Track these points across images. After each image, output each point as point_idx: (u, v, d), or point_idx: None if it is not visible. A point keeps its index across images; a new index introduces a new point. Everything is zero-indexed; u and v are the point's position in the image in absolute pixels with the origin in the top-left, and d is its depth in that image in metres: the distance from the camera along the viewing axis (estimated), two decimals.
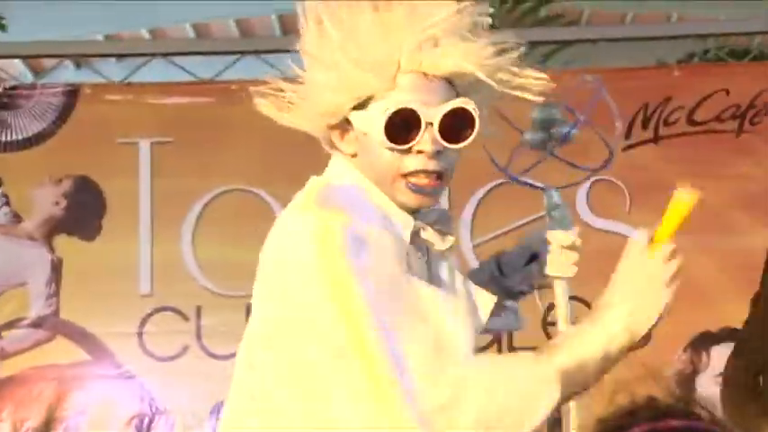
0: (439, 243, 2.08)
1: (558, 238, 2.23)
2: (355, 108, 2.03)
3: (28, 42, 4.95)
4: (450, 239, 2.10)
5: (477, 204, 4.19)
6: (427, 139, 1.98)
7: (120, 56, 5.20)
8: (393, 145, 1.99)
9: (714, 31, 4.58)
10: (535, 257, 2.27)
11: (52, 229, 4.26)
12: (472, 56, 2.02)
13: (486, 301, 2.17)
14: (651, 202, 3.99)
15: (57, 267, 4.22)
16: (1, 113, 4.32)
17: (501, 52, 2.04)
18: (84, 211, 4.26)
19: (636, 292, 1.98)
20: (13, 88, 4.41)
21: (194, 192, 4.26)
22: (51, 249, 4.24)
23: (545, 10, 6.38)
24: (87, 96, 4.36)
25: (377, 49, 2.00)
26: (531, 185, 2.24)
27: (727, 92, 4.24)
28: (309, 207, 1.97)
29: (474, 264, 4.05)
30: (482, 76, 2.02)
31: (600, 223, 4.16)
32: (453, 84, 2.04)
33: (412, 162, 2.00)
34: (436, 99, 2.00)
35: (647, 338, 2.02)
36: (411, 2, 2.02)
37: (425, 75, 2.01)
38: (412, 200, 2.03)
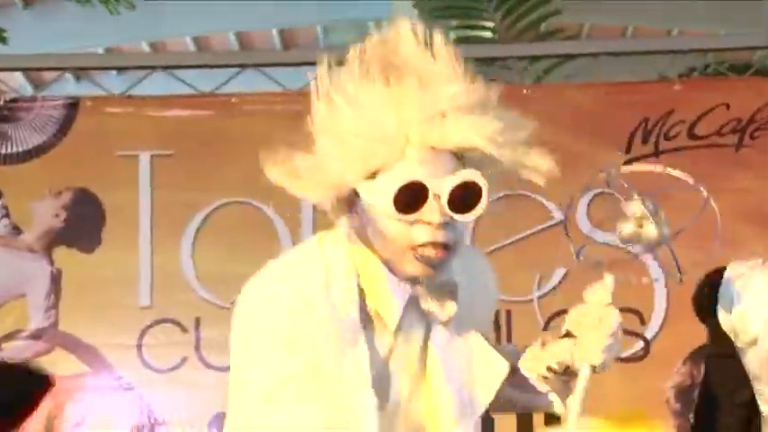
0: (440, 313, 2.10)
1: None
2: (364, 180, 2.05)
3: (28, 55, 4.96)
4: (451, 309, 2.10)
5: (478, 217, 4.18)
6: (435, 210, 2.00)
7: (121, 69, 5.21)
8: (401, 216, 2.01)
9: (715, 46, 4.59)
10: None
11: (52, 241, 4.25)
12: (480, 131, 2.04)
13: (497, 369, 2.18)
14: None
15: (56, 279, 4.21)
16: (1, 126, 4.32)
17: (509, 128, 2.06)
18: (83, 223, 4.26)
19: None
20: (14, 101, 4.41)
21: (194, 204, 4.25)
22: (51, 261, 4.24)
23: (545, 25, 6.39)
24: (88, 109, 4.37)
25: (386, 122, 2.03)
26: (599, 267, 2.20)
27: (728, 106, 4.25)
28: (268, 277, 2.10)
29: None
30: (491, 150, 2.04)
31: (599, 236, 4.15)
32: (461, 156, 2.06)
33: (420, 233, 2.02)
34: (444, 171, 2.02)
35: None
36: (420, 76, 2.05)
37: (433, 148, 2.04)
38: (419, 270, 2.05)
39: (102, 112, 4.38)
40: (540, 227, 4.15)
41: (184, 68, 4.50)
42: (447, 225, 2.02)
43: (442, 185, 2.01)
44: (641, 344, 4.12)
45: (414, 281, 2.08)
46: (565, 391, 2.17)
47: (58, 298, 4.20)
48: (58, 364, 4.14)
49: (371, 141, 2.03)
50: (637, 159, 4.22)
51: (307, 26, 8.61)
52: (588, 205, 4.15)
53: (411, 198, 2.00)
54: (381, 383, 2.09)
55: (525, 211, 4.09)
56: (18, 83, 6.62)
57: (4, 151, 4.31)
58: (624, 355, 4.11)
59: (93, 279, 4.20)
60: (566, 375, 2.18)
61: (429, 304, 2.09)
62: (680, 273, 2.17)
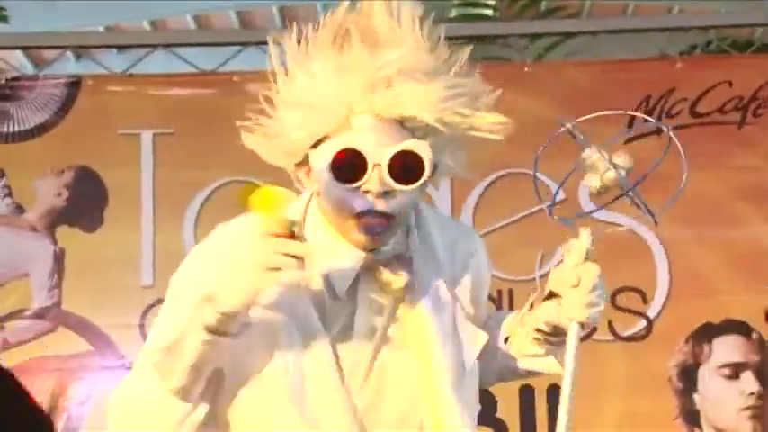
0: (394, 282, 2.10)
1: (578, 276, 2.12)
2: (313, 147, 2.07)
3: (29, 33, 4.94)
4: (399, 281, 2.10)
5: (480, 196, 4.19)
6: (375, 179, 2.01)
7: (122, 47, 5.20)
8: (340, 184, 2.02)
9: (716, 23, 4.57)
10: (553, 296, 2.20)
11: (54, 221, 4.25)
12: (423, 99, 2.03)
13: (476, 340, 2.19)
14: (653, 194, 3.99)
15: (59, 258, 4.21)
16: (3, 104, 4.31)
17: (456, 95, 2.05)
18: (85, 202, 4.26)
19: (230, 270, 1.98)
20: (16, 79, 4.40)
21: (196, 183, 4.25)
22: (53, 240, 4.24)
23: (546, 3, 6.38)
24: (89, 87, 4.36)
25: (329, 90, 2.03)
26: (565, 222, 2.19)
27: (730, 83, 4.24)
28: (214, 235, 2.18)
29: None
30: (431, 120, 2.03)
31: (602, 214, 4.15)
32: (408, 125, 2.05)
33: (360, 202, 2.03)
34: (389, 140, 2.02)
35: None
36: (376, 43, 2.04)
37: (379, 116, 2.03)
38: (362, 240, 2.07)
39: (104, 91, 4.38)
40: (541, 205, 4.15)
41: (185, 47, 4.49)
42: (388, 195, 2.02)
43: (381, 155, 2.01)
44: (644, 323, 4.13)
45: (368, 249, 2.09)
46: (560, 351, 2.16)
47: (60, 277, 4.20)
48: (61, 342, 4.16)
49: (315, 109, 2.04)
50: (638, 137, 4.21)
51: (306, 4, 8.57)
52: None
53: (350, 167, 2.01)
54: (338, 351, 2.10)
55: (526, 189, 4.08)
56: (19, 62, 6.61)
57: (5, 130, 4.31)
58: (627, 333, 4.12)
59: (95, 258, 4.20)
60: (557, 336, 2.19)
61: (384, 274, 2.10)
62: (652, 215, 2.15)
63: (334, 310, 2.11)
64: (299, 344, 2.07)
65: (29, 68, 6.79)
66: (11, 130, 4.30)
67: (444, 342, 2.13)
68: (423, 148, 2.03)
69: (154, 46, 4.46)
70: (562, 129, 2.13)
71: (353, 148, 2.00)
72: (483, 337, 2.20)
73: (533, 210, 4.15)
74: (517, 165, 4.06)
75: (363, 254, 2.09)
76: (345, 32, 2.06)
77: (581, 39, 4.65)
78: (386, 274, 2.09)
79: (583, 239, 2.11)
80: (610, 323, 4.07)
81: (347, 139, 2.02)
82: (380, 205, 2.02)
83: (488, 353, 2.26)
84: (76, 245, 4.23)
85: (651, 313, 4.13)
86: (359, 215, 2.04)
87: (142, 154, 4.28)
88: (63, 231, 4.25)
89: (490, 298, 4.05)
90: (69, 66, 6.32)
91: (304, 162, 2.11)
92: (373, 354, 2.12)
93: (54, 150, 4.29)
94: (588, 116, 2.13)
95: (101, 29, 7.62)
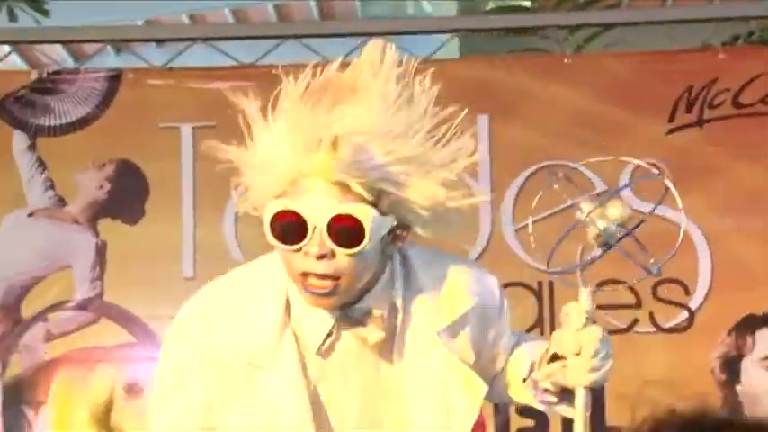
0: (371, 338, 2.09)
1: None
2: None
3: (69, 27, 4.96)
4: (374, 337, 2.09)
5: (520, 188, 4.17)
6: (315, 241, 1.99)
7: (162, 41, 5.22)
8: (281, 245, 2.02)
9: (758, 14, 4.53)
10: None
11: (96, 213, 4.28)
12: (357, 165, 1.98)
13: (474, 392, 2.17)
14: (695, 186, 3.96)
15: (101, 251, 4.24)
16: (44, 98, 4.34)
17: (393, 161, 1.99)
18: (127, 194, 4.28)
19: None
20: (57, 73, 4.43)
21: (236, 175, 4.26)
22: (95, 233, 4.26)
23: None
24: (130, 81, 4.38)
25: (279, 149, 2.02)
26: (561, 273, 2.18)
27: None
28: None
29: (517, 250, 4.04)
30: (356, 187, 1.98)
31: (643, 206, 4.13)
32: (351, 188, 2.00)
33: (302, 263, 2.02)
34: (330, 203, 1.99)
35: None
36: (334, 101, 2.00)
37: (327, 178, 2.00)
38: (310, 300, 2.06)
39: (144, 85, 4.39)
40: (581, 198, 4.12)
41: (224, 40, 4.50)
42: (328, 257, 1.99)
43: (321, 217, 1.98)
44: (686, 314, 4.10)
45: (335, 307, 2.07)
46: (572, 402, 2.16)
47: (103, 269, 4.23)
48: (103, 334, 4.19)
49: (267, 167, 2.05)
50: (680, 128, 4.19)
51: None
52: (631, 174, 4.13)
53: (290, 228, 1.99)
54: (313, 407, 2.10)
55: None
56: (59, 56, 6.65)
57: (47, 123, 4.33)
58: (668, 325, 4.10)
59: (137, 250, 4.22)
60: (564, 393, 2.18)
61: (358, 330, 2.09)
62: (647, 270, 2.14)
63: (316, 368, 2.11)
64: (280, 400, 2.08)
65: (69, 62, 6.82)
66: (52, 123, 4.33)
67: (428, 394, 2.12)
68: (362, 212, 1.99)
69: (193, 39, 4.47)
70: (552, 185, 2.12)
71: (291, 210, 1.99)
72: (482, 387, 2.18)
73: (573, 202, 4.13)
74: (558, 156, 4.04)
75: (333, 312, 2.08)
76: (314, 90, 2.03)
77: (621, 30, 4.62)
78: (360, 331, 2.08)
79: (582, 302, 2.11)
80: (651, 315, 4.05)
81: (290, 200, 2.01)
82: (321, 267, 2.00)
83: (508, 385, 2.29)
84: (118, 237, 4.25)
85: (693, 305, 4.10)
86: (302, 275, 2.02)
87: (182, 147, 4.29)
88: (105, 224, 4.27)
89: (530, 290, 4.04)
90: (109, 59, 6.35)
91: None
92: (359, 410, 2.12)
93: (95, 144, 4.31)
94: (596, 159, 2.13)
95: (140, 23, 7.66)
